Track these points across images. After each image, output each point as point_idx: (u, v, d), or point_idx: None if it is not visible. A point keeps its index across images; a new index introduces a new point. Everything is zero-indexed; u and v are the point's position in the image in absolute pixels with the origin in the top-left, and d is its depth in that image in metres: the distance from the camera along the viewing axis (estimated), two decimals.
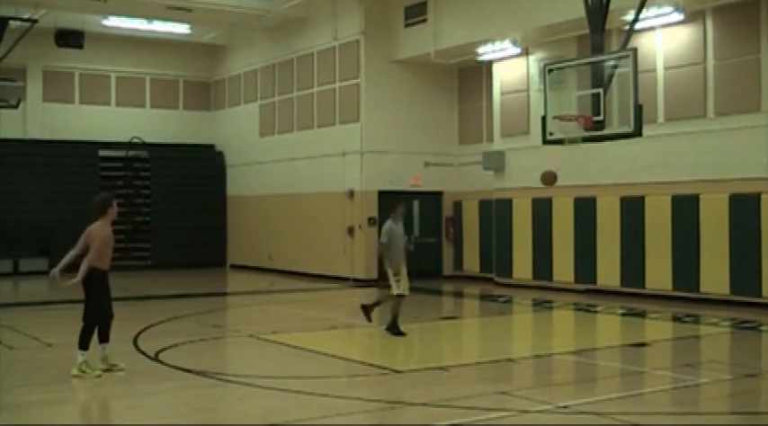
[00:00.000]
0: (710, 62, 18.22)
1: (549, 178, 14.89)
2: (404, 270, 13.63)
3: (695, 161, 18.26)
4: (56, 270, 10.16)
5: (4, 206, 26.82)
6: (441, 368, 11.01)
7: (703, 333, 14.76)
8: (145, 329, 14.14)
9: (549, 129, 15.43)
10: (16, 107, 24.97)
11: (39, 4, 23.72)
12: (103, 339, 10.66)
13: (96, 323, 10.46)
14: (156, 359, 11.56)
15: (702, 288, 18.04)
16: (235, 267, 30.03)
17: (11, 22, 23.58)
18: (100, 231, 10.42)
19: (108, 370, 10.51)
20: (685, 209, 18.36)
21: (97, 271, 10.38)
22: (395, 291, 13.55)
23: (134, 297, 19.59)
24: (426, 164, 24.69)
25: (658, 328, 15.51)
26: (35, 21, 24.00)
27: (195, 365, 11.12)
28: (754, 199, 17.26)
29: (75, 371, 10.25)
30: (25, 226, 27.15)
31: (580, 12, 15.83)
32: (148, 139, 29.81)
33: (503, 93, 22.93)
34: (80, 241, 10.45)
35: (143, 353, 11.87)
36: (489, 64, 23.29)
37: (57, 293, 22.11)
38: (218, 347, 13.65)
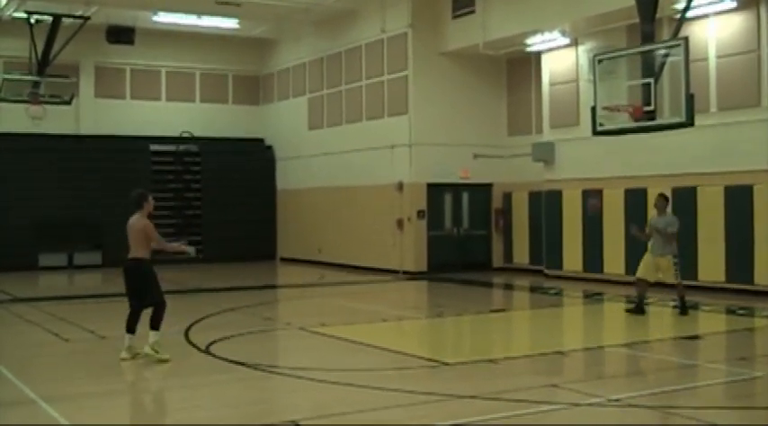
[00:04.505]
0: (765, 50, 17.83)
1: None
2: (647, 257, 15.23)
3: (749, 150, 17.91)
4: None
5: (59, 201, 27.24)
6: (490, 361, 10.98)
7: (758, 326, 14.55)
8: (196, 322, 14.29)
9: (598, 120, 15.34)
10: (69, 103, 25.36)
11: (90, 2, 24.04)
12: (154, 326, 11.09)
13: (165, 304, 11.00)
14: (206, 351, 11.68)
15: (757, 280, 17.75)
16: (285, 260, 30.21)
17: (64, 19, 23.99)
18: (136, 223, 11.00)
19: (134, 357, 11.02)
20: (739, 200, 18.07)
21: (145, 261, 10.99)
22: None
23: (185, 290, 19.80)
24: (475, 156, 24.60)
25: (711, 320, 15.32)
26: (87, 18, 24.38)
27: (246, 357, 11.21)
28: None
29: (147, 349, 10.82)
30: (79, 220, 27.54)
31: (630, 1, 15.68)
32: (198, 134, 30.09)
33: (552, 84, 22.75)
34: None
35: (194, 346, 12.00)
36: (538, 55, 23.13)
37: (110, 287, 22.46)
38: (268, 339, 13.75)
